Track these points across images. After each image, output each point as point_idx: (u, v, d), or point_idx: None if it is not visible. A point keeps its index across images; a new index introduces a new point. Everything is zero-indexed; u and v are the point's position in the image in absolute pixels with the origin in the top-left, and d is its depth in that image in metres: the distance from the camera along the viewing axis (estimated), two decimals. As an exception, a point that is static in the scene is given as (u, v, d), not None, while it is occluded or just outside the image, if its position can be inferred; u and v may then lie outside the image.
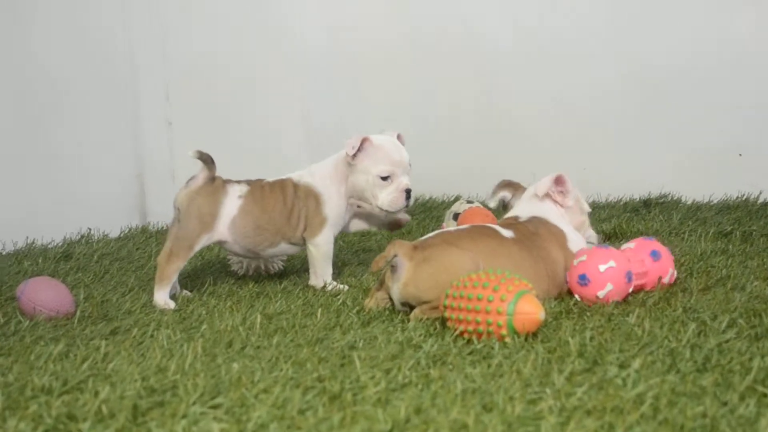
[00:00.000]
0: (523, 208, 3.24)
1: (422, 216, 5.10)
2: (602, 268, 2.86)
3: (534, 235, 3.11)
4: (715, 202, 4.89)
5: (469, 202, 4.63)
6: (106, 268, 3.97)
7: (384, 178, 3.40)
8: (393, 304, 2.96)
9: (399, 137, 3.52)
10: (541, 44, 5.53)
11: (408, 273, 2.87)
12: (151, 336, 2.80)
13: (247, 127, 5.76)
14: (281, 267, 3.82)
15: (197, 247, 3.38)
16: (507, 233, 3.08)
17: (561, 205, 3.16)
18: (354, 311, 2.97)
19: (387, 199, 3.40)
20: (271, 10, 5.80)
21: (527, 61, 5.58)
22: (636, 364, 2.22)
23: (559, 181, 3.16)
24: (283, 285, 3.51)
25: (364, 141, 3.40)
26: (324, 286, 3.44)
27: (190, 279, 3.68)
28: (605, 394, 2.06)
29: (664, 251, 3.04)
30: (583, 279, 2.89)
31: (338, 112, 5.96)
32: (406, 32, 5.82)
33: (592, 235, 3.31)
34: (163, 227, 5.06)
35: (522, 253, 3.01)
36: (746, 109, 5.06)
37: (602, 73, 5.38)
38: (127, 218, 5.26)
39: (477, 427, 1.87)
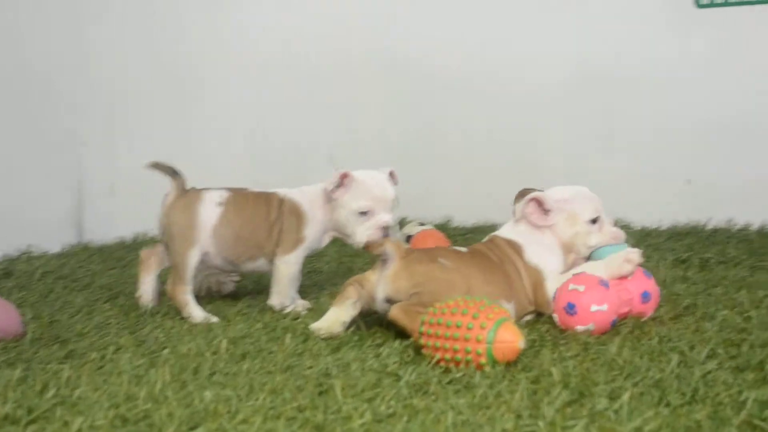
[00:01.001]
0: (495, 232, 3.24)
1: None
2: (594, 308, 2.81)
3: (487, 249, 3.13)
4: (664, 228, 4.90)
5: (421, 224, 4.58)
6: (50, 286, 3.84)
7: (363, 213, 3.32)
8: (373, 306, 2.93)
9: (392, 174, 3.47)
10: (485, 66, 5.50)
11: (399, 266, 2.88)
12: (111, 360, 2.68)
13: (192, 140, 5.63)
14: (233, 288, 3.72)
15: (192, 265, 3.29)
16: (462, 249, 3.14)
17: (540, 226, 3.10)
18: (323, 337, 2.88)
19: (364, 234, 3.34)
20: (219, 20, 5.69)
21: (474, 87, 5.54)
22: (625, 396, 2.17)
23: (536, 202, 3.12)
24: (238, 307, 3.40)
25: (343, 177, 3.34)
26: (282, 309, 3.34)
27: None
28: (599, 427, 2.00)
29: (654, 293, 3.00)
30: (571, 308, 2.84)
31: (288, 125, 5.86)
32: (363, 52, 5.74)
33: (605, 240, 3.17)
34: (102, 244, 4.92)
35: (476, 263, 3.03)
36: (694, 135, 5.08)
37: (549, 98, 5.37)
38: (64, 234, 5.09)
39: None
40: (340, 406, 2.17)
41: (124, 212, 5.32)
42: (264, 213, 3.39)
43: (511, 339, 2.49)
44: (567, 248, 3.16)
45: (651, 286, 3.01)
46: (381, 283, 2.91)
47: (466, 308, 2.54)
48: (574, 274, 2.98)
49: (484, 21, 5.50)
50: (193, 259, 3.32)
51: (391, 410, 2.15)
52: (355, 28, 5.67)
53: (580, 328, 2.84)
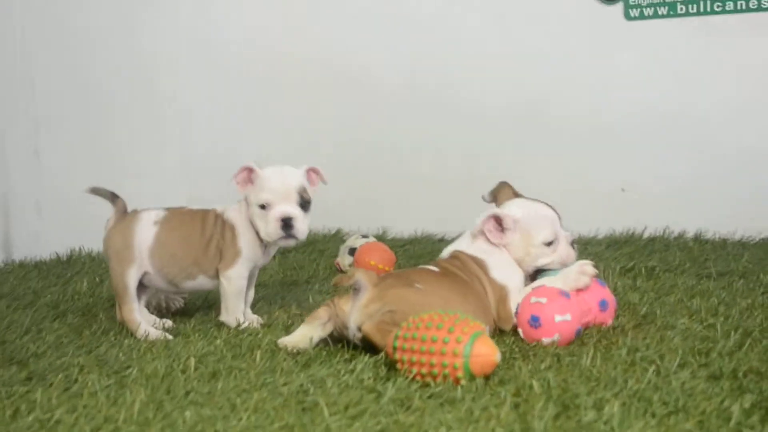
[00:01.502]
0: (452, 246, 3.23)
1: (309, 249, 5.00)
2: (558, 318, 2.83)
3: (455, 268, 3.11)
4: (601, 237, 4.96)
5: (364, 236, 4.58)
6: (-11, 306, 3.72)
7: (262, 207, 3.27)
8: (345, 335, 2.88)
9: (313, 171, 3.40)
10: (429, 80, 5.54)
11: (371, 294, 2.83)
12: (76, 381, 2.61)
13: (120, 160, 5.53)
14: (182, 304, 3.66)
15: (132, 285, 3.24)
16: (434, 268, 3.10)
17: (495, 244, 3.11)
18: (287, 353, 2.85)
19: (265, 229, 3.28)
20: (145, 44, 5.61)
21: (411, 100, 5.56)
22: (614, 407, 2.18)
23: (494, 221, 3.12)
24: (192, 324, 3.35)
25: (245, 171, 3.32)
26: (238, 326, 3.29)
27: (87, 318, 3.47)
28: (593, 440, 2.01)
29: (611, 301, 3.03)
30: (535, 321, 2.85)
31: (221, 152, 5.81)
32: (299, 60, 5.72)
33: (554, 264, 3.18)
34: (38, 260, 4.80)
35: (451, 285, 3.01)
36: (629, 144, 5.17)
37: (489, 109, 5.42)
38: (-9, 252, 4.97)
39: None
40: (328, 424, 2.14)
41: (50, 229, 5.20)
42: (199, 230, 3.34)
43: (488, 352, 2.49)
44: (524, 263, 3.17)
45: (607, 294, 3.05)
46: (354, 313, 2.85)
47: (441, 322, 2.53)
48: (533, 288, 2.99)
49: (434, 40, 5.54)
50: (131, 278, 3.28)
51: (380, 426, 2.13)
52: (304, 39, 5.66)
53: (546, 340, 2.85)
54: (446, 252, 3.25)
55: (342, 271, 4.41)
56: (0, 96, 5.12)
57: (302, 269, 4.48)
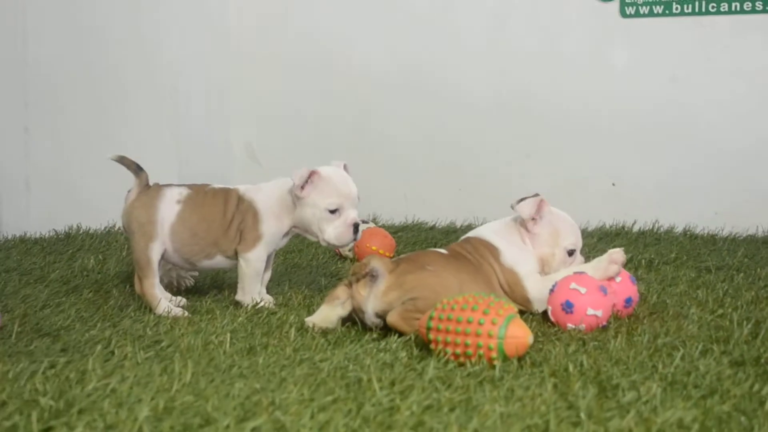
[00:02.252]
0: (471, 232, 3.30)
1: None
2: (590, 312, 2.90)
3: (464, 251, 3.18)
4: (591, 229, 5.06)
5: (364, 222, 4.62)
6: (3, 279, 3.73)
7: (332, 212, 3.33)
8: (360, 319, 2.93)
9: (345, 167, 3.46)
10: (422, 71, 5.60)
11: (389, 281, 2.87)
12: (112, 353, 2.65)
13: (111, 137, 5.53)
14: (192, 283, 3.70)
15: (155, 259, 3.26)
16: (443, 251, 3.18)
17: (525, 227, 3.17)
18: (317, 331, 2.91)
19: (334, 233, 3.34)
20: (143, 21, 5.61)
21: (407, 87, 5.62)
22: (653, 389, 2.26)
23: (540, 204, 3.18)
24: (207, 302, 3.39)
25: (312, 174, 3.32)
26: (256, 304, 3.34)
27: (101, 294, 3.50)
28: (637, 418, 2.08)
29: (636, 299, 3.11)
30: (569, 307, 2.92)
31: (211, 132, 5.83)
32: (283, 49, 5.76)
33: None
34: (17, 236, 4.80)
35: (460, 266, 3.07)
36: (619, 139, 5.27)
37: (483, 103, 5.49)
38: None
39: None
40: (379, 398, 2.19)
41: (40, 207, 5.20)
42: (221, 210, 3.38)
43: (522, 334, 2.56)
44: (542, 263, 3.23)
45: (634, 292, 3.12)
46: (371, 300, 2.91)
47: (476, 304, 2.59)
48: (575, 272, 3.06)
49: (429, 33, 5.60)
50: (155, 253, 3.31)
51: (429, 401, 2.19)
52: (300, 27, 5.70)
53: (570, 326, 2.93)
54: (462, 238, 3.32)
55: (342, 256, 4.47)
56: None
57: (301, 252, 4.53)
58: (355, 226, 3.37)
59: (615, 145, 5.32)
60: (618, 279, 3.08)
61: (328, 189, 3.34)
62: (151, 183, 3.38)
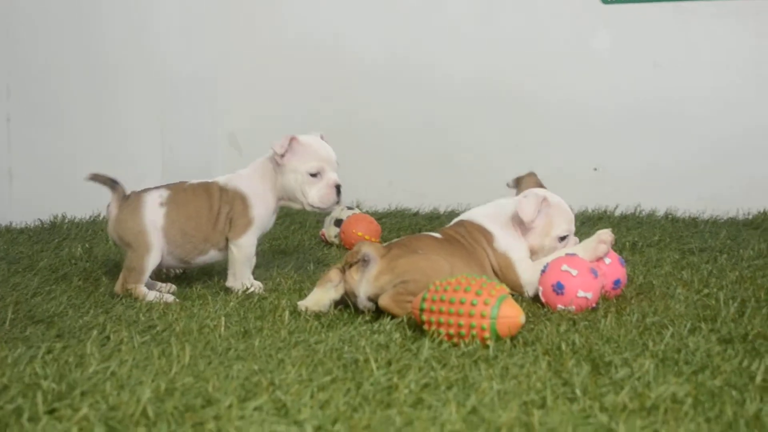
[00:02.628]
0: (463, 215, 3.32)
1: (287, 222, 5.06)
2: (580, 294, 2.94)
3: (458, 234, 3.21)
4: (574, 213, 5.09)
5: (349, 208, 4.66)
6: (-10, 268, 3.74)
7: (313, 175, 3.38)
8: (353, 302, 2.96)
9: (322, 137, 3.50)
10: (407, 60, 5.63)
11: (381, 265, 2.91)
12: (108, 338, 2.66)
13: (95, 126, 5.53)
14: (181, 270, 3.72)
15: (150, 269, 3.32)
16: (436, 235, 3.20)
17: (524, 222, 3.19)
18: (309, 315, 2.93)
19: (317, 195, 3.39)
20: (131, 9, 5.61)
21: (392, 75, 5.65)
22: (645, 365, 2.30)
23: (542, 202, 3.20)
24: (198, 289, 3.41)
25: (291, 140, 3.36)
26: (246, 289, 3.36)
27: (90, 282, 3.52)
28: (631, 393, 2.12)
29: (624, 280, 3.15)
30: (560, 288, 2.95)
31: (197, 119, 5.84)
32: (272, 38, 5.77)
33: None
34: (2, 226, 4.79)
35: (454, 250, 3.11)
36: (601, 125, 5.32)
37: (465, 89, 5.53)
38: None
39: (542, 428, 1.90)
40: (376, 377, 2.22)
41: (22, 197, 5.19)
42: (206, 205, 3.40)
43: (514, 314, 2.60)
44: (531, 251, 3.26)
45: (623, 274, 3.16)
46: (363, 284, 2.95)
47: (469, 285, 2.63)
48: (567, 254, 3.09)
49: (414, 20, 5.64)
50: (152, 262, 3.34)
51: (426, 380, 2.22)
52: (286, 12, 5.71)
53: (560, 306, 2.97)
54: (455, 220, 3.35)
55: (328, 243, 4.49)
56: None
57: (287, 239, 4.55)
58: (338, 188, 3.43)
59: (597, 131, 5.36)
60: (608, 261, 3.12)
61: (308, 153, 3.41)
62: (129, 188, 3.39)
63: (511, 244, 3.19)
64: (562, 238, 3.25)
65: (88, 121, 5.51)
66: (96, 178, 3.35)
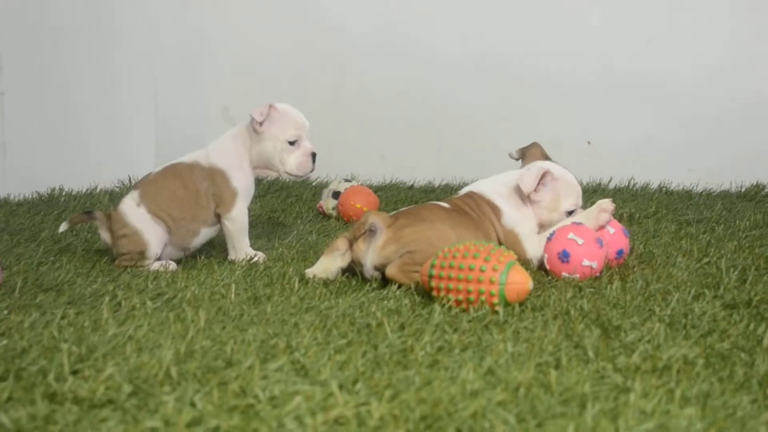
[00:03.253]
0: (471, 186, 3.33)
1: (283, 195, 5.08)
2: (585, 263, 2.97)
3: (466, 206, 3.23)
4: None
5: (347, 180, 4.68)
6: (-8, 238, 3.75)
7: (291, 143, 3.41)
8: (359, 271, 2.99)
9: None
10: (398, 32, 5.65)
11: (387, 235, 2.94)
12: (119, 304, 2.68)
13: (88, 99, 5.53)
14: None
15: (158, 254, 3.35)
16: (445, 205, 3.21)
17: (529, 197, 3.20)
18: (318, 282, 2.96)
19: (295, 163, 3.42)
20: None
21: (383, 47, 5.67)
22: (655, 328, 2.34)
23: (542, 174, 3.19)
24: (201, 259, 3.43)
25: (270, 108, 3.40)
26: (250, 259, 3.38)
27: (94, 252, 3.54)
28: (642, 355, 2.16)
29: (626, 250, 3.18)
30: (565, 257, 2.98)
31: (189, 91, 5.85)
32: (261, 9, 5.78)
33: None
34: (21, 198, 4.80)
35: (461, 220, 3.13)
36: (594, 98, 5.36)
37: (460, 63, 5.55)
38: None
39: (559, 387, 1.93)
40: (391, 341, 2.26)
41: (16, 169, 5.18)
42: (179, 185, 3.40)
43: (522, 280, 2.64)
44: (538, 225, 3.26)
45: (626, 244, 3.19)
46: (370, 253, 2.98)
47: (477, 252, 2.66)
48: (573, 223, 3.12)
49: None
50: (156, 251, 3.35)
51: (440, 343, 2.26)
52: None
53: (565, 274, 3.00)
54: (463, 190, 3.36)
55: (325, 215, 4.51)
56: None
57: (284, 212, 4.57)
58: (313, 155, 3.46)
59: (591, 105, 5.39)
60: (611, 231, 3.15)
61: (286, 121, 3.43)
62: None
63: (518, 220, 3.20)
64: (570, 213, 3.24)
65: (81, 94, 5.50)
66: (72, 221, 3.41)
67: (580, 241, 2.98)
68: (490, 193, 3.26)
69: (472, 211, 3.21)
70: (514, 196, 3.23)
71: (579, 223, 3.07)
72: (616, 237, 3.14)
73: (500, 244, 3.17)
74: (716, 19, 5.23)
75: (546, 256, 3.04)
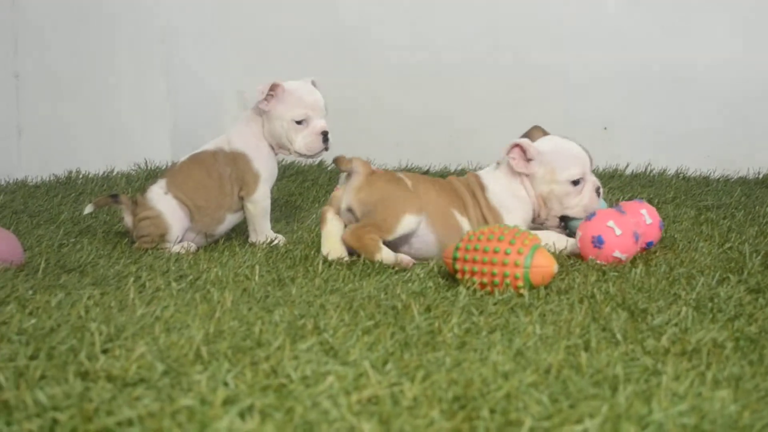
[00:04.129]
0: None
1: (299, 179, 5.08)
2: (616, 254, 2.96)
3: (458, 183, 3.26)
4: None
5: (364, 164, 4.66)
6: (13, 220, 3.76)
7: (299, 122, 3.39)
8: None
9: (313, 83, 3.52)
10: (415, 20, 5.63)
11: (363, 179, 3.04)
12: (143, 285, 2.69)
13: (103, 82, 5.53)
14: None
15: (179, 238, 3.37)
16: (440, 179, 3.30)
17: (518, 173, 3.17)
18: (342, 264, 2.97)
19: (303, 142, 3.40)
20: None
21: (397, 33, 5.65)
22: (682, 312, 2.34)
23: (519, 149, 3.17)
24: (221, 242, 3.43)
25: (275, 87, 3.39)
26: (271, 242, 3.39)
27: (114, 234, 3.55)
28: (671, 339, 2.16)
29: (656, 242, 3.19)
30: (599, 243, 2.95)
31: (202, 74, 5.85)
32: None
33: (577, 209, 3.21)
34: (9, 182, 4.79)
35: (441, 191, 3.20)
36: (611, 84, 5.34)
37: (473, 47, 5.53)
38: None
39: (590, 369, 1.93)
40: (418, 323, 2.26)
41: (31, 152, 5.19)
42: (204, 173, 3.41)
43: (547, 263, 2.64)
44: (543, 201, 3.20)
45: (658, 236, 3.18)
46: (345, 194, 3.07)
47: (502, 235, 2.66)
48: (616, 210, 3.06)
49: None
50: (177, 234, 3.36)
51: (467, 325, 2.26)
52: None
53: (591, 258, 2.99)
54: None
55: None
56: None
57: (301, 195, 4.58)
58: (324, 134, 3.42)
59: (607, 90, 5.37)
60: (649, 221, 3.13)
61: (293, 100, 3.40)
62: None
63: (507, 204, 3.18)
64: (576, 182, 3.17)
65: (96, 77, 5.50)
66: (98, 203, 3.42)
67: (618, 232, 2.95)
68: (483, 173, 3.26)
69: (461, 187, 3.20)
70: (508, 177, 3.20)
71: (623, 213, 3.03)
72: (652, 228, 3.12)
73: (485, 221, 3.14)
74: (734, 4, 5.19)
75: (579, 233, 3.02)
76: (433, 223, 3.09)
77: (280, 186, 4.71)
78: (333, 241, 3.05)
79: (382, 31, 5.71)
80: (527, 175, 3.20)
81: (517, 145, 3.17)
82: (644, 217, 3.15)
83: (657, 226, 3.16)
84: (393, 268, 2.92)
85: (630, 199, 4.09)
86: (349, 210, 3.05)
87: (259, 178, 3.42)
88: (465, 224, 3.12)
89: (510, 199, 3.21)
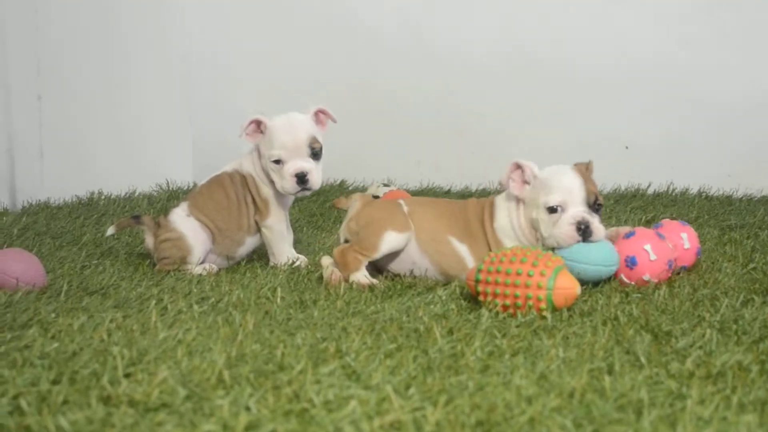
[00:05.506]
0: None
1: (321, 199, 5.08)
2: (645, 277, 2.92)
3: (470, 205, 3.22)
4: (607, 191, 5.12)
5: (385, 185, 4.68)
6: (36, 242, 3.77)
7: (276, 162, 3.33)
8: None
9: (322, 113, 3.44)
10: (428, 37, 5.63)
11: (356, 211, 3.12)
12: (165, 308, 2.69)
13: (124, 103, 5.56)
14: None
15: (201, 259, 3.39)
16: (457, 201, 3.28)
17: (514, 194, 3.08)
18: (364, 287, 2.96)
19: (280, 183, 3.34)
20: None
21: (413, 51, 5.65)
22: (707, 334, 2.32)
23: (518, 169, 3.07)
24: (243, 264, 3.44)
25: (257, 123, 3.36)
26: (293, 263, 3.38)
27: (136, 256, 3.55)
28: (695, 362, 2.14)
29: (689, 266, 3.15)
30: (632, 264, 2.90)
31: (220, 91, 5.87)
32: (293, 13, 5.80)
33: (553, 238, 3.00)
34: (31, 203, 4.81)
35: (442, 213, 3.20)
36: (632, 104, 5.33)
37: (493, 66, 5.53)
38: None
39: (614, 393, 1.92)
40: (440, 346, 2.25)
41: (53, 174, 5.21)
42: (223, 195, 3.43)
43: (570, 285, 2.62)
44: (534, 228, 3.07)
45: (692, 262, 3.15)
46: (342, 226, 3.17)
47: (525, 257, 2.65)
48: (657, 233, 3.01)
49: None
50: (198, 256, 3.39)
51: (489, 348, 2.25)
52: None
53: (622, 276, 2.96)
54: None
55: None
56: (2, 40, 5.09)
57: (323, 216, 4.57)
58: (299, 177, 3.31)
59: (628, 110, 5.36)
60: (687, 246, 3.10)
61: (269, 140, 3.34)
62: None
63: (508, 232, 3.10)
64: (552, 210, 2.98)
65: (116, 99, 5.54)
66: (120, 225, 3.43)
67: (653, 257, 2.91)
68: (500, 198, 3.15)
69: (470, 213, 3.15)
70: (513, 203, 3.11)
71: (661, 237, 2.98)
72: (688, 254, 3.09)
73: (489, 248, 3.06)
74: (754, 23, 5.18)
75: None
76: (426, 250, 3.10)
77: (301, 206, 4.71)
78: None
79: (394, 44, 5.70)
80: (522, 199, 3.10)
81: (515, 164, 3.09)
82: (683, 242, 3.11)
83: (694, 252, 3.12)
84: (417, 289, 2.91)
85: (653, 219, 4.08)
86: (346, 241, 3.12)
87: (268, 203, 3.43)
88: (463, 250, 3.09)
89: (507, 230, 3.11)
